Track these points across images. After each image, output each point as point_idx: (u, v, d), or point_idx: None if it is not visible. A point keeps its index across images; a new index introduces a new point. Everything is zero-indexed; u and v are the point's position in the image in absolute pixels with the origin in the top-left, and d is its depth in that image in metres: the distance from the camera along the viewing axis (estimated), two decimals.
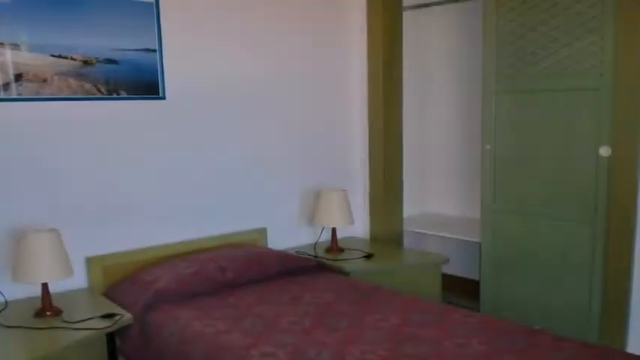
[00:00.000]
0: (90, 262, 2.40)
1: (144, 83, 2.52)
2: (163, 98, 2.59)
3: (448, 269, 3.40)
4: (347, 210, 2.99)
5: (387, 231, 3.28)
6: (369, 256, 2.85)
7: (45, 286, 2.07)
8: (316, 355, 1.75)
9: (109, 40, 2.41)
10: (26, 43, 2.22)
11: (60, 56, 2.29)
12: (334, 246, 2.97)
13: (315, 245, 3.04)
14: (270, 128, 2.98)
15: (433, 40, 3.75)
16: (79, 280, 2.36)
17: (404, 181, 3.37)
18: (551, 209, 2.75)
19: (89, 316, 2.03)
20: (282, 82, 3.00)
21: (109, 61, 2.42)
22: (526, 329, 1.93)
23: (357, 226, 3.29)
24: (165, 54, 2.57)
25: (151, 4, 2.51)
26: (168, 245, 2.62)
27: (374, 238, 3.31)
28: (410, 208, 3.60)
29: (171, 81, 2.59)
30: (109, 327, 1.97)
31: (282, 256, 2.62)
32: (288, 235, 3.06)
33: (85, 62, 2.35)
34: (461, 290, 3.53)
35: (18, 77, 2.21)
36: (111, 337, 2.10)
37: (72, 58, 2.32)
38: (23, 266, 2.01)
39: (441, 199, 3.86)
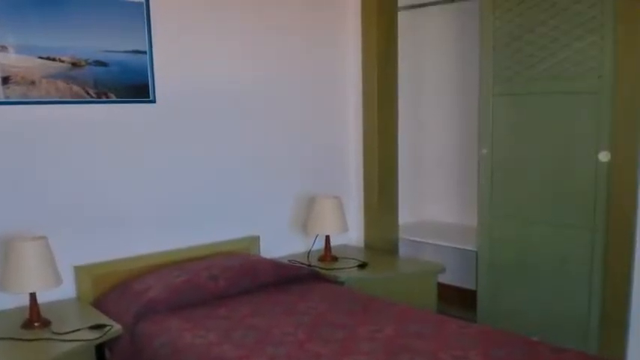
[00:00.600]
0: (79, 271, 2.44)
1: (134, 86, 2.56)
2: (153, 102, 2.63)
3: (444, 278, 3.45)
4: (341, 217, 3.04)
5: (382, 239, 3.34)
6: (363, 265, 2.90)
7: (33, 295, 2.10)
8: None
9: (98, 41, 2.45)
10: (13, 44, 2.26)
11: (48, 58, 2.33)
12: (328, 254, 3.03)
13: (308, 253, 3.10)
14: (262, 133, 3.03)
15: (429, 41, 3.81)
16: (67, 289, 2.39)
17: (399, 187, 3.43)
18: (550, 215, 2.81)
19: (78, 327, 2.07)
20: (274, 85, 3.05)
21: (98, 63, 2.46)
22: (524, 340, 1.99)
23: (351, 233, 3.35)
24: (156, 56, 2.61)
25: (140, 4, 2.55)
26: (159, 254, 2.66)
27: (368, 246, 3.37)
28: (405, 215, 3.66)
29: (161, 84, 2.64)
30: (98, 338, 2.01)
31: (276, 265, 2.67)
32: (281, 243, 3.11)
33: (74, 64, 2.39)
34: (457, 300, 3.59)
35: (5, 80, 2.25)
36: (100, 349, 2.14)
37: (60, 60, 2.36)
38: (10, 275, 2.04)
39: (437, 206, 3.92)
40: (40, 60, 2.31)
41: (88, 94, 2.45)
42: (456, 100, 3.74)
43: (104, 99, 2.49)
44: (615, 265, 2.59)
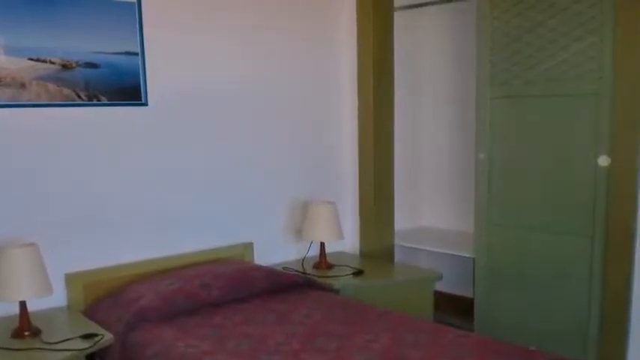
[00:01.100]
0: (70, 278, 2.48)
1: (125, 88, 2.60)
2: (146, 104, 2.67)
3: (440, 286, 3.48)
4: (336, 223, 3.09)
5: (378, 245, 3.40)
6: (358, 273, 2.95)
7: (23, 304, 2.14)
8: None
9: (89, 42, 2.49)
10: (3, 45, 2.29)
11: (38, 60, 2.37)
12: (323, 262, 3.08)
13: (302, 261, 3.15)
14: (255, 137, 3.07)
15: (425, 42, 3.86)
16: (58, 297, 2.42)
17: (395, 192, 3.48)
18: (548, 222, 2.85)
19: (69, 337, 2.10)
20: (268, 87, 3.09)
21: (89, 64, 2.50)
22: (522, 350, 2.03)
23: (346, 240, 3.40)
24: (148, 57, 2.65)
25: (132, 3, 2.59)
26: (151, 261, 2.71)
27: (364, 254, 3.42)
28: (401, 221, 3.71)
29: (153, 86, 2.68)
30: (89, 348, 2.05)
31: (269, 273, 2.72)
32: (275, 249, 3.16)
33: (64, 66, 2.43)
34: (454, 308, 3.64)
35: None
36: (91, 358, 2.17)
37: (51, 62, 2.40)
38: (0, 283, 2.07)
39: (433, 212, 3.97)
40: (30, 61, 2.35)
41: (78, 96, 2.48)
42: (453, 103, 3.79)
43: (95, 102, 2.53)
44: (615, 273, 2.63)
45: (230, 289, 2.53)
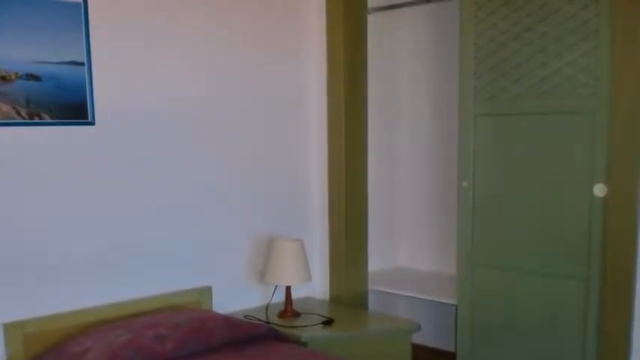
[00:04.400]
0: (8, 329, 2.54)
1: (70, 105, 2.72)
2: (92, 124, 2.79)
3: (418, 338, 3.67)
4: (303, 264, 3.27)
5: (350, 290, 3.58)
6: (328, 322, 3.15)
7: None
8: None
9: (31, 50, 2.60)
10: None
11: None
12: (289, 309, 3.25)
13: (267, 308, 3.32)
14: (214, 165, 3.23)
15: (401, 50, 4.07)
16: None
17: (368, 229, 3.68)
18: (538, 263, 3.02)
19: None
20: (228, 106, 3.26)
21: (31, 76, 2.61)
22: None
23: (314, 283, 3.57)
24: (95, 68, 2.78)
25: (77, 4, 2.71)
26: (99, 308, 2.82)
27: (334, 299, 3.61)
28: (375, 261, 3.91)
29: (101, 102, 2.80)
30: None
31: (230, 323, 2.85)
32: (236, 294, 3.32)
33: (3, 78, 2.54)
34: None
35: None
36: None
37: None
38: None
39: (411, 251, 4.19)
40: None
41: (19, 114, 2.59)
42: (432, 121, 4.00)
43: (37, 120, 2.64)
44: (612, 320, 2.78)
45: (186, 342, 2.64)
